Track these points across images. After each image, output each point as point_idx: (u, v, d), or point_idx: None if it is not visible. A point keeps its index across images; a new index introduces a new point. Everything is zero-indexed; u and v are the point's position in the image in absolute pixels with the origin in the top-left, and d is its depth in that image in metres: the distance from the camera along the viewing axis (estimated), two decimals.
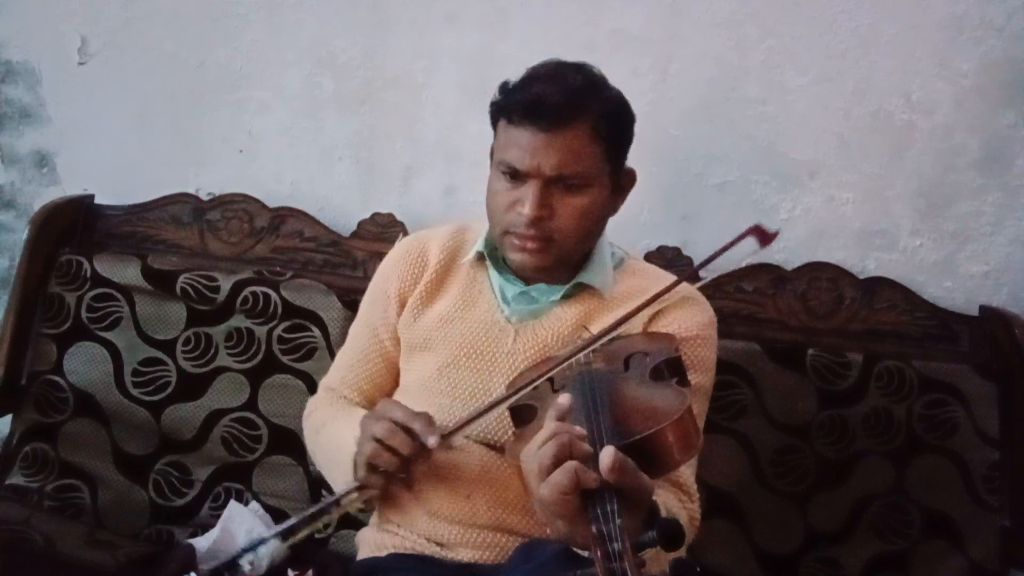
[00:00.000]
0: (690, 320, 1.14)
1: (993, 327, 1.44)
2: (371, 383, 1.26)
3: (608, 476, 0.72)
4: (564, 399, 0.84)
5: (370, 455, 1.01)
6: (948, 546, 1.39)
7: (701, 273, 1.12)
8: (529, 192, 1.09)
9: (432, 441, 0.99)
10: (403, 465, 1.01)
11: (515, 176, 1.11)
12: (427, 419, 1.02)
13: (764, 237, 1.04)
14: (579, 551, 0.84)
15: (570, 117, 1.08)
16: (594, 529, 0.68)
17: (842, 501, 1.41)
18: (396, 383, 1.26)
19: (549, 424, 0.80)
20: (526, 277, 1.19)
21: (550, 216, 1.10)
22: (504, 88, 1.15)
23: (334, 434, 1.16)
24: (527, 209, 1.08)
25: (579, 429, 0.79)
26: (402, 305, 1.23)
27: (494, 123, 1.17)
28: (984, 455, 1.39)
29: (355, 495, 1.05)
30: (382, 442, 1.00)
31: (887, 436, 1.40)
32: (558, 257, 1.13)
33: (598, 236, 1.19)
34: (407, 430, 1.01)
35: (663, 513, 0.83)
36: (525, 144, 1.08)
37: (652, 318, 1.14)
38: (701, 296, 1.20)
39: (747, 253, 1.03)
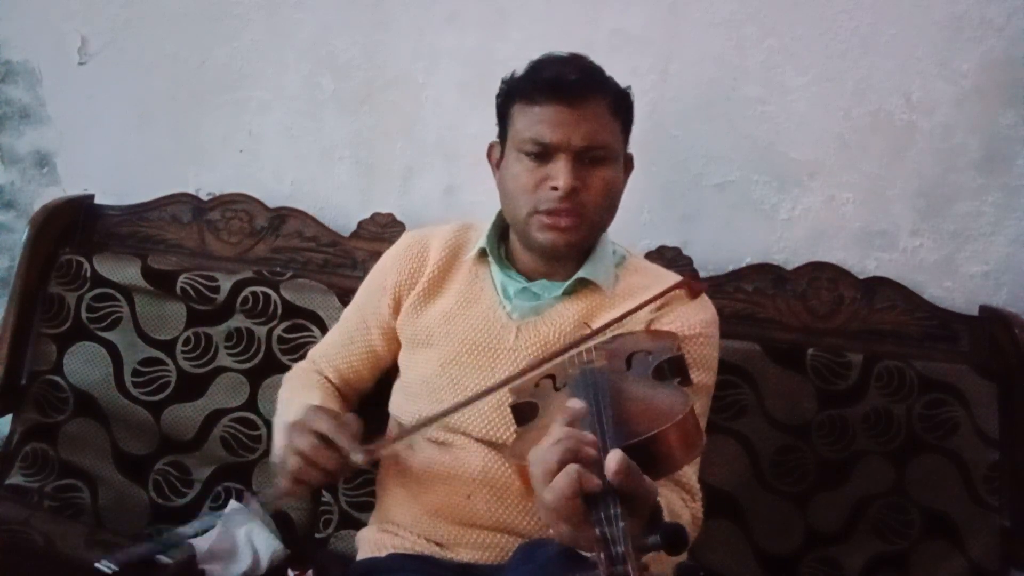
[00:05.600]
0: (693, 318, 1.14)
1: (993, 327, 1.44)
2: (349, 367, 1.29)
3: (613, 479, 0.72)
4: (575, 403, 0.82)
5: (294, 472, 1.01)
6: (948, 546, 1.38)
7: (701, 274, 1.13)
8: (560, 166, 1.10)
9: (359, 459, 0.99)
10: (327, 478, 1.01)
11: (542, 154, 1.12)
12: (355, 432, 1.02)
13: (691, 290, 1.16)
14: (581, 552, 0.84)
15: (591, 92, 1.11)
16: (598, 532, 0.68)
17: (842, 501, 1.41)
18: (374, 372, 1.29)
19: (559, 428, 0.78)
20: (528, 273, 1.20)
21: (582, 188, 1.11)
22: (512, 77, 1.17)
23: (292, 408, 1.16)
24: (561, 182, 1.09)
25: (589, 435, 0.77)
26: (396, 301, 1.24)
27: (505, 111, 1.18)
28: (984, 455, 1.38)
29: (281, 499, 1.12)
30: (307, 457, 1.00)
31: (887, 436, 1.40)
32: (587, 232, 1.15)
33: (614, 215, 1.20)
34: (332, 444, 1.00)
35: (666, 513, 0.83)
36: (551, 119, 1.10)
37: (655, 316, 1.14)
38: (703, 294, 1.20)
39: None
